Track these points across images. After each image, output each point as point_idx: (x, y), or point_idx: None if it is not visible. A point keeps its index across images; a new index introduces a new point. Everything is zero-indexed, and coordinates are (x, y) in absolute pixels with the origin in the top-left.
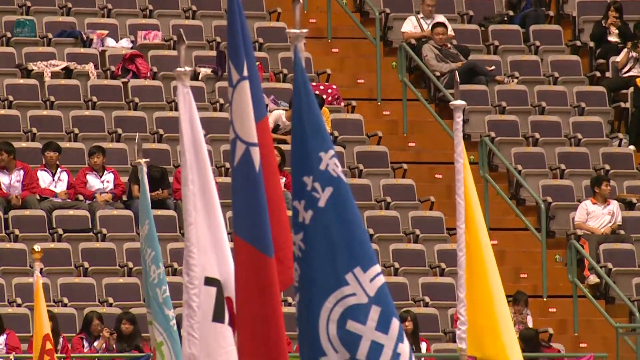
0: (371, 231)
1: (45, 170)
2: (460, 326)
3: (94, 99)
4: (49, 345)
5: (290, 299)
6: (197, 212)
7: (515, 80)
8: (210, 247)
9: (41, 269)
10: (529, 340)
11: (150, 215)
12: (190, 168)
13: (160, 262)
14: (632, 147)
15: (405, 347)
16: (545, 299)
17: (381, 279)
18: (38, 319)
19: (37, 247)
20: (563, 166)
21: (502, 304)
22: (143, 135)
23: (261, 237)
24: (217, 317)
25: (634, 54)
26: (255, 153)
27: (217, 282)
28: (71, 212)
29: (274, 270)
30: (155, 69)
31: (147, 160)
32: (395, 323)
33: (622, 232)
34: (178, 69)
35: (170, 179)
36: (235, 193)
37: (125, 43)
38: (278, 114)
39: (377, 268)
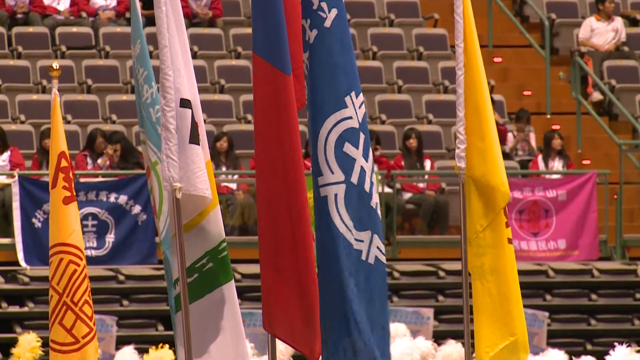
0: (375, 49)
1: None
2: (459, 145)
3: None
4: (64, 163)
5: None
6: (170, 35)
7: None
8: (183, 68)
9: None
10: None
11: (142, 34)
12: None
13: (153, 81)
14: None
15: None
16: (548, 116)
17: (364, 108)
18: (55, 136)
19: (55, 64)
20: None
21: (493, 126)
22: None
23: (279, 55)
24: (193, 139)
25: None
26: None
27: (190, 104)
28: (74, 29)
29: (292, 88)
30: None
31: None
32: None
33: (626, 48)
34: None
35: None
36: (255, 10)
37: None
38: None
39: (362, 96)
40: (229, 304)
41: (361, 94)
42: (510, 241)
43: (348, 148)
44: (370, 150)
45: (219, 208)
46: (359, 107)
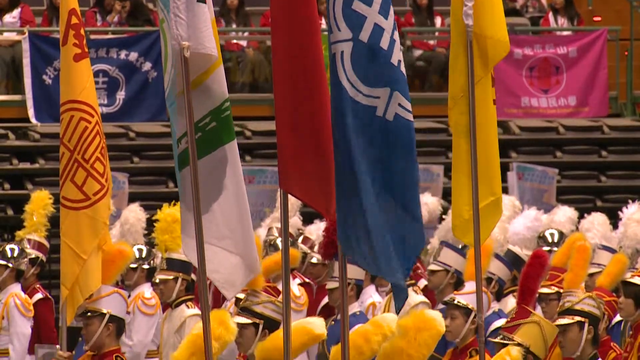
0: None
1: None
2: (467, 2)
3: None
4: (74, 20)
5: None
6: None
7: None
8: None
9: None
10: None
11: None
12: None
13: None
14: None
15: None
16: None
17: None
18: None
19: None
20: None
21: None
22: None
23: None
24: None
25: None
26: None
27: None
28: None
29: None
30: None
31: None
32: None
33: None
34: None
35: None
36: None
37: None
38: None
39: None
40: (231, 163)
41: None
42: (494, 102)
43: (357, 5)
44: (392, 8)
45: (223, 67)
46: None
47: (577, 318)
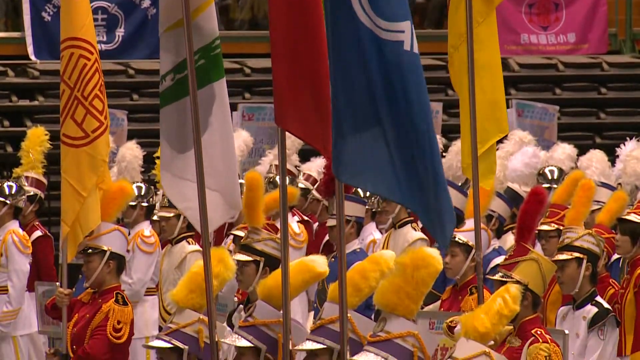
0: None
1: None
2: None
3: None
4: None
5: None
6: None
7: None
8: None
9: None
10: None
11: None
12: None
13: None
14: None
15: None
16: None
17: None
18: None
19: None
20: None
21: None
22: None
23: None
24: None
25: None
26: None
27: None
28: None
29: None
30: None
31: None
32: None
33: None
34: None
35: None
36: None
37: None
38: None
39: None
40: (219, 101)
41: None
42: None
43: None
44: None
45: (214, 5)
46: None
47: (576, 254)
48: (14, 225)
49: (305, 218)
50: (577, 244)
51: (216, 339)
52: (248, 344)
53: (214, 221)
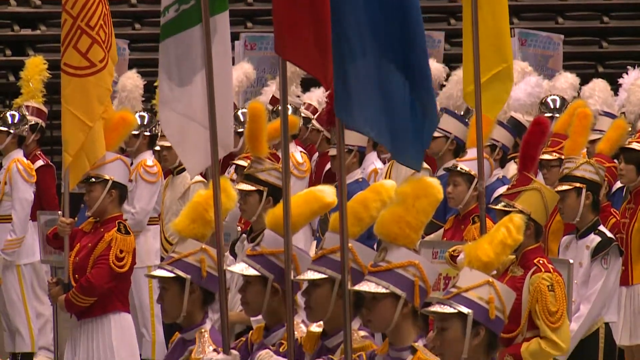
0: None
1: None
2: None
3: None
4: None
5: None
6: None
7: None
8: None
9: None
10: None
11: None
12: None
13: None
14: None
15: None
16: None
17: None
18: None
19: None
20: None
21: None
22: None
23: None
24: None
25: None
26: None
27: None
28: None
29: None
30: None
31: None
32: None
33: None
34: None
35: None
36: None
37: None
38: None
39: None
40: (219, 35)
41: None
42: None
43: None
44: None
45: None
46: None
47: (575, 184)
48: (18, 154)
49: (301, 150)
50: (575, 173)
51: (224, 268)
52: (255, 273)
53: (203, 161)
